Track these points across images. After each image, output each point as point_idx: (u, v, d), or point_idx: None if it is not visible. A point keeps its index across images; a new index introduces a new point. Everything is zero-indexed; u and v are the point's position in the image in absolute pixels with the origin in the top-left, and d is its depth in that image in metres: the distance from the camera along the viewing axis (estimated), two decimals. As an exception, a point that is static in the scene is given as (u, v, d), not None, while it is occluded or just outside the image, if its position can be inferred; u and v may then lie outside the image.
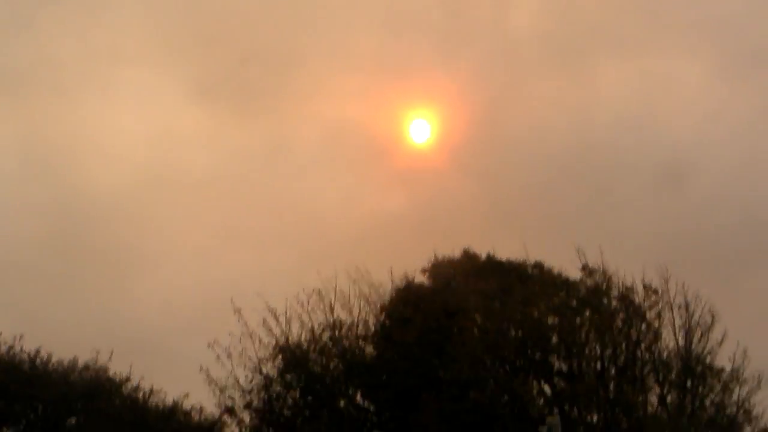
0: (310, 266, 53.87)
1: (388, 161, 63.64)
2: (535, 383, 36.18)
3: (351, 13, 70.01)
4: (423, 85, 65.16)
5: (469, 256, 38.87)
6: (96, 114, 67.75)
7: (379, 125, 64.68)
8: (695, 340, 36.90)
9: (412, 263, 39.37)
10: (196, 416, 39.23)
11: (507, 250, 38.87)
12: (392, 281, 38.80)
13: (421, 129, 58.82)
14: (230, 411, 37.96)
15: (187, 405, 39.28)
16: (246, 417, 37.95)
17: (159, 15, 70.03)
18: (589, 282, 37.20)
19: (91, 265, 58.54)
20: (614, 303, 36.90)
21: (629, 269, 37.37)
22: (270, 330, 38.03)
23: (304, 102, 67.37)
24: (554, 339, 36.07)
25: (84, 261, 58.73)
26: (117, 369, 39.74)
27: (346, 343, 37.98)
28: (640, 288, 36.96)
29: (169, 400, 39.31)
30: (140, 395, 39.17)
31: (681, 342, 36.95)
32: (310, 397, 37.66)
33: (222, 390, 37.72)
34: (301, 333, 38.18)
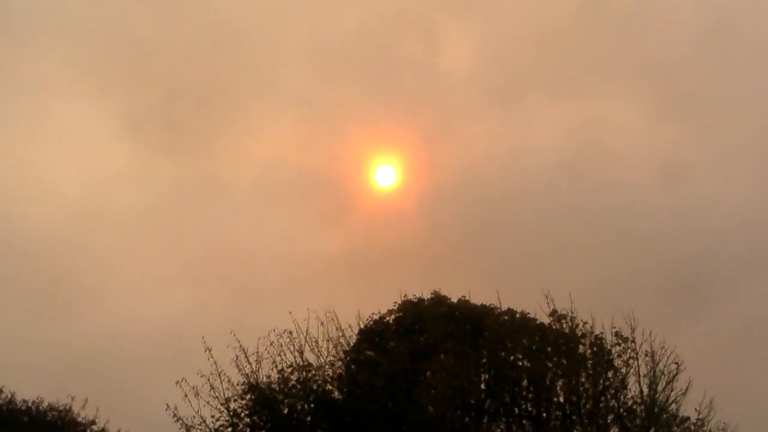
0: (246, 303, 54.38)
1: (324, 201, 63.83)
2: (503, 428, 36.30)
3: (280, 53, 70.24)
4: (356, 124, 65.53)
5: (438, 299, 38.86)
6: (26, 148, 67.50)
7: (311, 164, 64.88)
8: (660, 388, 37.30)
9: (368, 305, 39.44)
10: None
11: (476, 295, 39.03)
12: (358, 324, 38.86)
13: (385, 173, 58.96)
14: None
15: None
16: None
17: (88, 49, 69.82)
18: (558, 327, 37.50)
19: (28, 299, 58.15)
20: (583, 349, 37.26)
21: (597, 316, 38.01)
22: (240, 368, 37.93)
23: (235, 140, 67.87)
24: (524, 383, 36.23)
25: (21, 296, 58.30)
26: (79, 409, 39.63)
27: (314, 385, 37.81)
28: (608, 335, 37.45)
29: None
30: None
31: (645, 390, 37.34)
32: (275, 439, 37.35)
33: (188, 429, 37.40)
34: (271, 373, 38.12)
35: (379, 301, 39.91)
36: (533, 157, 66.25)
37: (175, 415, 37.21)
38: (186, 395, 37.19)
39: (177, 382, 37.20)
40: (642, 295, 52.27)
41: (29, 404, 38.01)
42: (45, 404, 38.28)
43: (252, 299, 56.33)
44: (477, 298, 38.85)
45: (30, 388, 38.88)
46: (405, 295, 39.20)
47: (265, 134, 67.82)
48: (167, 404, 37.21)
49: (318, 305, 38.83)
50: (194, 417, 37.46)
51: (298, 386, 37.90)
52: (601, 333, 37.43)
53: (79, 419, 38.66)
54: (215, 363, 37.82)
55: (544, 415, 36.42)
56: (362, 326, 38.65)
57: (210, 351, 37.81)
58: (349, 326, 38.76)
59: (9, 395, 37.60)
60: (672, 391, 37.38)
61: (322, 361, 38.46)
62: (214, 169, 67.40)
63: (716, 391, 37.45)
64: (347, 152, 64.56)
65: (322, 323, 38.37)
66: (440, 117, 67.80)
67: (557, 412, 36.53)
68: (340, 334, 38.56)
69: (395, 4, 71.65)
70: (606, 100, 69.14)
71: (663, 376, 37.42)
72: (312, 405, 37.42)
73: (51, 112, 67.94)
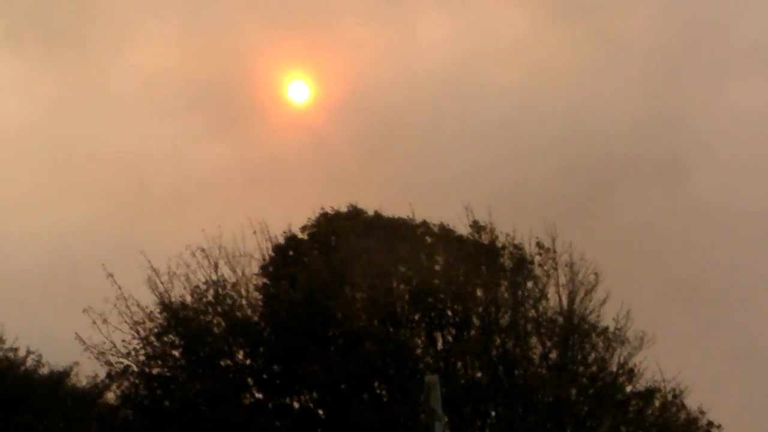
0: (137, 219, 53.72)
1: (219, 113, 62.80)
2: (423, 338, 36.46)
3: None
4: (236, 30, 64.19)
5: (355, 212, 38.76)
6: None
7: (199, 75, 63.63)
8: (578, 299, 37.69)
9: (278, 220, 39.12)
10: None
11: (390, 209, 38.94)
12: (270, 238, 38.73)
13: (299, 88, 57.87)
14: (110, 376, 37.64)
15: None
16: (125, 380, 37.50)
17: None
18: (477, 238, 37.61)
19: None
20: (503, 260, 37.40)
21: (516, 226, 38.18)
22: (152, 289, 37.64)
23: (117, 49, 66.10)
24: (442, 295, 36.33)
25: None
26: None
27: (229, 301, 37.54)
28: (529, 246, 37.70)
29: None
30: (19, 358, 38.46)
31: (564, 300, 37.71)
32: (191, 357, 37.15)
33: (99, 356, 37.35)
34: (184, 292, 37.84)
35: (291, 215, 39.83)
36: (422, 65, 65.34)
37: (84, 343, 36.89)
38: (95, 322, 36.85)
39: (84, 310, 36.72)
40: (543, 201, 52.53)
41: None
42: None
43: (143, 215, 55.58)
44: (391, 211, 38.91)
45: None
46: (322, 208, 39.05)
47: (149, 43, 66.01)
48: (76, 333, 36.95)
49: (219, 221, 38.56)
50: (104, 343, 37.23)
51: (213, 302, 37.57)
52: (520, 243, 37.69)
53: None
54: (119, 288, 37.27)
55: (463, 325, 36.59)
56: (276, 241, 38.43)
57: (113, 276, 37.20)
58: (266, 240, 38.60)
59: None
60: (591, 301, 37.93)
61: (239, 275, 38.12)
62: (97, 81, 65.62)
63: (632, 301, 38.04)
64: (242, 62, 63.16)
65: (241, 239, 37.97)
66: (327, 26, 66.33)
67: (477, 322, 36.73)
68: (255, 249, 38.29)
69: None
70: (491, 3, 68.44)
71: (582, 287, 37.83)
72: (227, 322, 37.12)
73: None
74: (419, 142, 60.25)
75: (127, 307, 37.21)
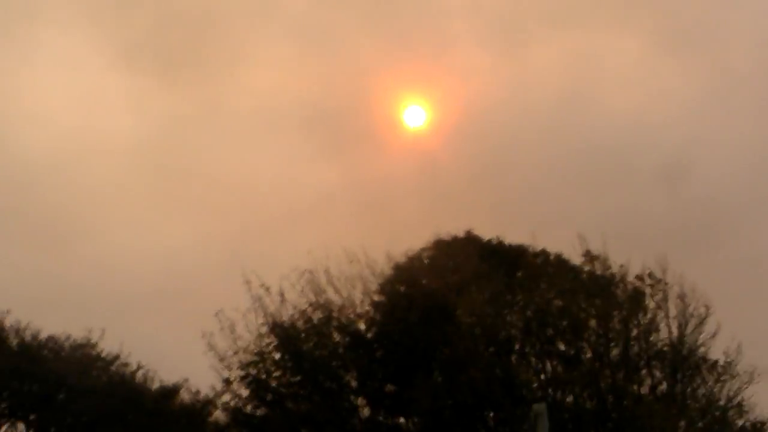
0: (245, 238, 54.26)
1: (330, 133, 63.08)
2: (532, 366, 36.42)
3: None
4: (352, 53, 64.49)
5: (471, 238, 38.87)
6: (19, 79, 66.60)
7: (312, 95, 64.01)
8: (689, 331, 37.35)
9: (384, 244, 39.25)
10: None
11: (508, 236, 39.00)
12: (390, 259, 39.09)
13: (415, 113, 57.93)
14: (228, 382, 37.88)
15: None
16: (242, 390, 38.03)
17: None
18: (590, 268, 37.51)
19: (25, 232, 57.82)
20: (617, 291, 37.25)
21: (628, 257, 37.97)
22: (265, 307, 38.01)
23: (231, 68, 66.75)
24: (560, 323, 36.25)
25: (17, 229, 57.93)
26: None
27: (337, 323, 37.80)
28: (643, 277, 37.40)
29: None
30: (129, 372, 39.05)
31: (674, 332, 37.40)
32: (299, 377, 37.48)
33: (221, 359, 37.79)
34: (294, 313, 38.06)
35: (405, 238, 40.09)
36: (535, 90, 65.36)
37: (209, 344, 37.42)
38: (222, 328, 37.68)
39: (216, 314, 37.55)
40: (653, 230, 52.16)
41: (55, 340, 38.08)
42: (71, 340, 38.40)
43: (251, 234, 56.25)
44: (511, 239, 39.01)
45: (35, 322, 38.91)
46: (437, 233, 39.31)
47: (264, 64, 66.82)
48: (203, 331, 37.55)
49: (324, 242, 38.87)
50: (227, 350, 37.85)
51: (322, 324, 37.93)
52: (640, 274, 37.40)
53: (103, 354, 38.84)
54: (252, 297, 38.05)
55: (575, 355, 36.50)
56: (396, 262, 38.65)
57: (250, 284, 37.95)
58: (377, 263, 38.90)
59: (35, 332, 37.62)
60: (701, 334, 37.51)
61: (344, 298, 38.44)
62: (210, 99, 66.62)
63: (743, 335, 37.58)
64: (357, 86, 63.58)
65: (350, 261, 38.25)
66: (443, 51, 66.57)
67: (588, 355, 36.61)
68: (370, 272, 38.56)
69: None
70: (604, 31, 68.23)
71: (692, 319, 37.49)
72: (344, 338, 37.62)
73: (43, 42, 66.74)
74: (532, 168, 60.12)
75: (255, 318, 37.95)
